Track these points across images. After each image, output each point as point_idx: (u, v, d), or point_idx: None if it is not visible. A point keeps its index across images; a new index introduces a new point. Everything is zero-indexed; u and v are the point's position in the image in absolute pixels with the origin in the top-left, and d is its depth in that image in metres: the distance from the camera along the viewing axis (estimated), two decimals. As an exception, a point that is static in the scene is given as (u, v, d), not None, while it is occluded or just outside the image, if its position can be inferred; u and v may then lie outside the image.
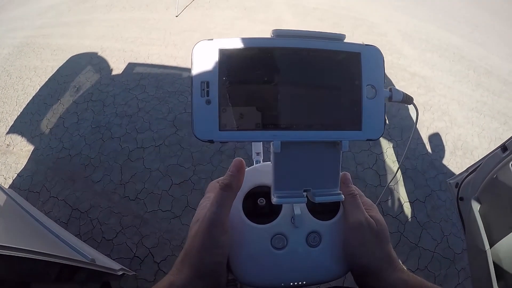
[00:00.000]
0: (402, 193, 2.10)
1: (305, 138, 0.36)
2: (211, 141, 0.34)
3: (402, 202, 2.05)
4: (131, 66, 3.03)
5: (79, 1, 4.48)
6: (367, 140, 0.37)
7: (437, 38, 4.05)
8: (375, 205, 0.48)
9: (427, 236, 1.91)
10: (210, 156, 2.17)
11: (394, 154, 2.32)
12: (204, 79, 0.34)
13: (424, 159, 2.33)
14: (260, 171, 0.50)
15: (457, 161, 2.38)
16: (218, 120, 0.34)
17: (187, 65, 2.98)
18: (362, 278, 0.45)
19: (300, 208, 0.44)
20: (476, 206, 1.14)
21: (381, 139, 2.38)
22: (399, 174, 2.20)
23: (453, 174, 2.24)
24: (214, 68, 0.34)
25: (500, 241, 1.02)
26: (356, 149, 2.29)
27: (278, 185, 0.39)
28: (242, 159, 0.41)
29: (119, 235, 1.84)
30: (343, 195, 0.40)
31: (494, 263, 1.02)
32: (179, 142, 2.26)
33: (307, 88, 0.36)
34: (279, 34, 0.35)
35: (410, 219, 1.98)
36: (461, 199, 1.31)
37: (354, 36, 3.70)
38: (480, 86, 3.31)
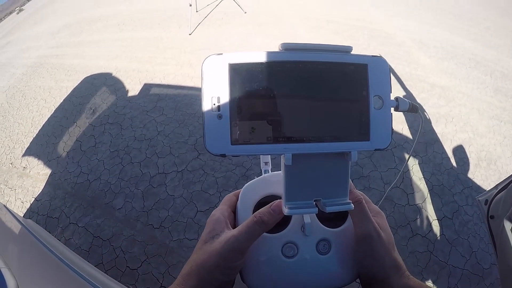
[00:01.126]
0: (430, 211, 2.08)
1: (316, 150, 0.37)
2: (223, 155, 0.35)
3: (431, 220, 2.03)
4: (147, 87, 3.03)
5: (91, 20, 4.52)
6: (375, 150, 0.38)
7: (451, 44, 4.03)
8: (382, 212, 0.48)
9: (456, 253, 1.90)
10: (236, 181, 2.14)
11: (420, 171, 2.29)
12: (215, 94, 0.34)
13: (450, 174, 2.30)
14: (269, 181, 0.50)
15: (482, 173, 2.36)
16: (229, 135, 0.35)
17: (204, 86, 2.96)
18: (369, 286, 0.46)
19: (310, 217, 0.45)
20: (508, 226, 1.13)
21: (406, 156, 2.37)
22: (426, 190, 2.18)
23: (479, 187, 2.25)
24: (225, 82, 0.34)
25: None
26: (382, 168, 2.26)
27: (289, 196, 0.40)
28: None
29: (144, 264, 1.80)
30: (352, 204, 0.40)
31: None
32: (202, 167, 2.23)
33: (316, 100, 0.36)
34: (287, 47, 0.36)
35: (439, 237, 1.96)
36: (492, 217, 1.29)
37: (370, 48, 3.70)
38: (498, 91, 3.28)
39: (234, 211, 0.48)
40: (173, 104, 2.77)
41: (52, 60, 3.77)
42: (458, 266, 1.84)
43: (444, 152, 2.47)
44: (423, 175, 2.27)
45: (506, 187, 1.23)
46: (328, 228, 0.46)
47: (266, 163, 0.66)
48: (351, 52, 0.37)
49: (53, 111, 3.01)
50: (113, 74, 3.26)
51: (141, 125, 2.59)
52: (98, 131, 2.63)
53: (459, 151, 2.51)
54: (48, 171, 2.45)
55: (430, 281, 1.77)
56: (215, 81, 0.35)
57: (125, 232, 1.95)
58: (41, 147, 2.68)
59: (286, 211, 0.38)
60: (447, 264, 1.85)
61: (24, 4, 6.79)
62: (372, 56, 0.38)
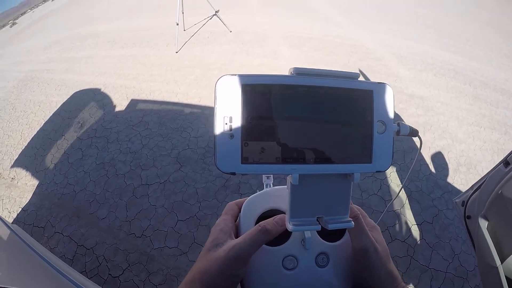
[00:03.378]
0: (409, 216, 2.12)
1: (322, 171, 0.38)
2: (233, 173, 0.36)
3: (410, 225, 2.06)
4: (133, 103, 3.15)
5: (82, 37, 4.65)
6: (377, 171, 0.41)
7: (430, 57, 4.15)
8: (377, 226, 0.50)
9: (438, 256, 1.91)
10: (215, 191, 2.24)
11: (398, 178, 2.36)
12: (227, 113, 0.35)
13: (428, 180, 2.35)
14: (271, 195, 0.52)
15: (462, 177, 2.41)
16: (240, 154, 0.36)
17: (188, 101, 3.11)
18: None
19: (310, 232, 0.46)
20: (483, 224, 1.14)
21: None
22: (404, 196, 2.22)
23: (459, 191, 2.26)
24: (237, 103, 0.35)
25: (511, 256, 1.04)
26: (360, 176, 2.30)
27: (294, 214, 0.41)
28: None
29: (125, 272, 1.87)
30: (353, 222, 0.42)
31: (506, 277, 1.02)
32: (183, 178, 2.34)
33: (324, 123, 0.37)
34: (299, 72, 0.37)
35: (419, 242, 1.98)
36: (468, 217, 1.32)
37: (349, 63, 3.82)
38: (477, 99, 3.36)
39: (236, 220, 0.49)
40: (157, 119, 2.89)
41: (43, 74, 3.87)
42: (441, 270, 1.86)
43: (422, 159, 2.52)
44: (401, 181, 2.32)
45: (480, 186, 1.25)
46: (327, 242, 0.48)
47: (268, 177, 0.68)
48: (358, 79, 0.39)
49: (42, 125, 3.10)
50: (102, 90, 3.38)
51: (127, 139, 2.70)
52: (85, 144, 2.73)
53: (438, 157, 2.56)
54: (35, 182, 2.52)
55: (411, 285, 1.79)
56: (228, 101, 0.35)
57: (108, 241, 2.02)
58: (29, 159, 2.76)
59: (290, 227, 0.40)
60: (428, 267, 1.86)
61: (17, 18, 6.92)
62: (378, 82, 0.40)
